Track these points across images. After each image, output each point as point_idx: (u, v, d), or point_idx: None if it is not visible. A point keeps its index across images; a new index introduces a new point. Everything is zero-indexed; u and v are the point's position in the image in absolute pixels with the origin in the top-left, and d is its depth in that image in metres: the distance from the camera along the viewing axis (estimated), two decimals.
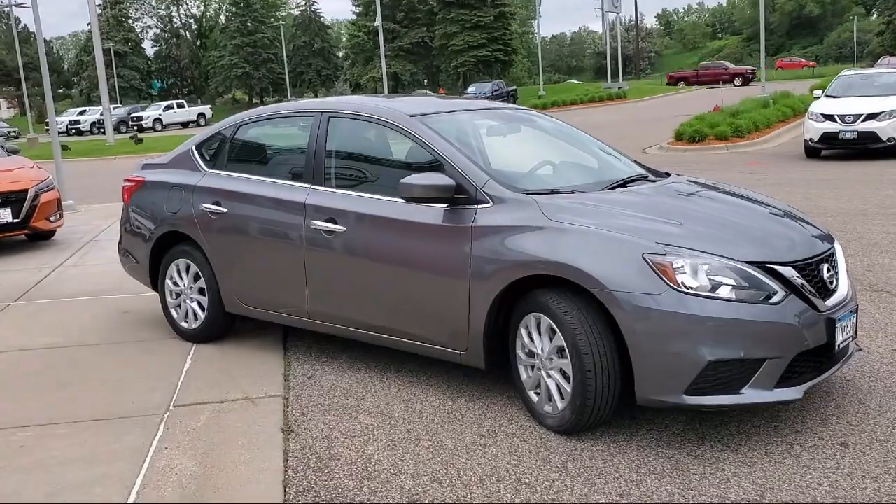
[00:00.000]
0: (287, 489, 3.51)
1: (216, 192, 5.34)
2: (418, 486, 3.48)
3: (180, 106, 57.12)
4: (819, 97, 16.06)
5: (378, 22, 47.96)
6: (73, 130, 53.71)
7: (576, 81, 66.86)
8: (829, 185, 11.83)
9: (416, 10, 75.55)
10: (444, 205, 4.22)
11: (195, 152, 5.71)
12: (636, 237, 3.71)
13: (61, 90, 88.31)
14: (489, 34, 71.22)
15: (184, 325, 5.67)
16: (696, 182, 4.80)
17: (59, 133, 19.34)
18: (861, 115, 14.50)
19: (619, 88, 52.99)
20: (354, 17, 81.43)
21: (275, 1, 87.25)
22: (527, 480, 3.48)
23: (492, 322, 4.10)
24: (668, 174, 4.95)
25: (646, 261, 3.61)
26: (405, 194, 4.22)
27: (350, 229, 4.60)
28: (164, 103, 57.45)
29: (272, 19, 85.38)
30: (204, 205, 5.35)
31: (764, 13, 33.81)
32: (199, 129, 44.55)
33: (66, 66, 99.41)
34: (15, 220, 9.51)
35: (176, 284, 5.67)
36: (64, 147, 23.80)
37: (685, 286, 3.56)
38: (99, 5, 65.13)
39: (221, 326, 5.57)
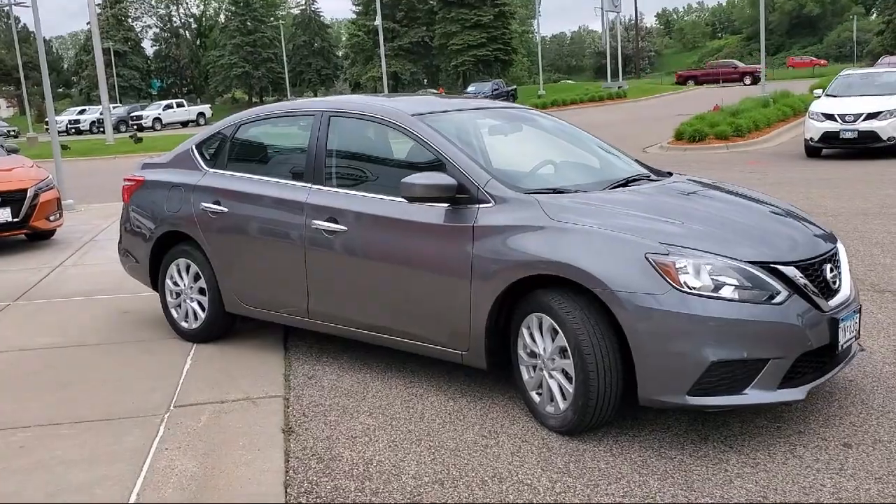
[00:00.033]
0: (288, 490, 3.49)
1: (216, 192, 5.32)
2: (420, 486, 3.46)
3: (180, 105, 57.06)
4: (819, 97, 16.06)
5: (378, 21, 47.95)
6: (73, 130, 53.65)
7: (570, 81, 66.37)
8: (830, 184, 11.81)
9: (415, 9, 75.58)
10: (446, 204, 4.21)
11: (195, 152, 5.69)
12: (639, 237, 3.70)
13: (61, 89, 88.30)
14: (489, 33, 71.26)
15: (184, 324, 5.66)
16: (698, 181, 4.79)
17: (59, 132, 19.36)
18: (861, 114, 14.50)
19: (619, 88, 52.98)
20: (354, 16, 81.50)
21: (274, 0, 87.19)
22: (529, 481, 3.46)
23: (493, 322, 4.09)
24: (670, 174, 4.94)
25: (648, 261, 3.60)
26: (406, 194, 4.21)
27: (351, 229, 4.58)
28: (164, 103, 57.40)
29: (272, 18, 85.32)
30: (204, 204, 5.34)
31: (764, 13, 33.76)
32: (198, 129, 44.63)
33: (65, 66, 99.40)
34: (14, 220, 9.49)
35: (176, 284, 5.65)
36: (63, 146, 23.78)
37: (688, 286, 3.55)
38: (98, 5, 65.14)
39: (222, 326, 5.55)
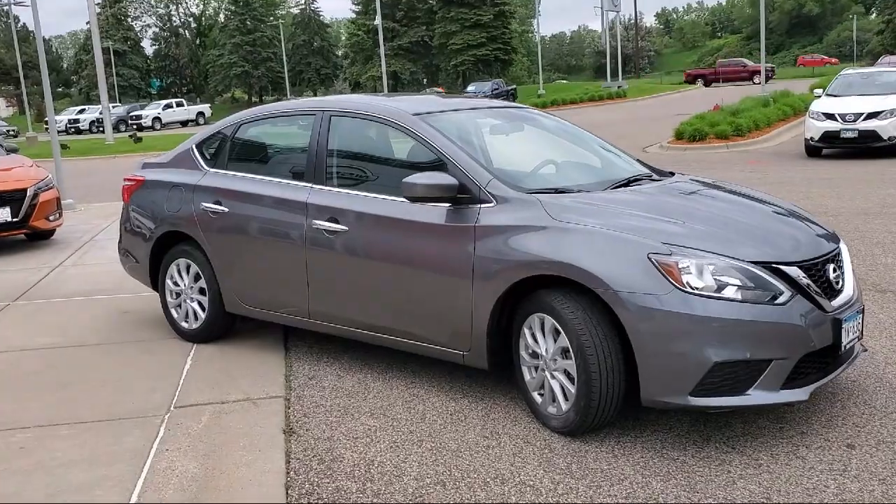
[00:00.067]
0: (289, 491, 3.48)
1: (217, 192, 5.31)
2: (422, 488, 3.45)
3: (179, 105, 57.03)
4: (820, 96, 16.05)
5: (378, 21, 47.91)
6: (73, 129, 53.61)
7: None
8: (831, 184, 11.80)
9: (415, 8, 75.59)
10: (447, 204, 4.19)
11: (195, 151, 5.68)
12: (641, 237, 3.68)
13: (60, 89, 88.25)
14: (489, 33, 71.29)
15: (184, 325, 5.64)
16: (700, 181, 4.78)
17: (59, 132, 19.35)
18: (862, 113, 14.49)
19: (619, 87, 52.96)
20: (354, 15, 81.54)
21: (273, 0, 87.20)
22: (531, 483, 3.45)
23: (495, 322, 4.07)
24: (672, 173, 4.92)
25: (651, 261, 3.58)
26: (408, 194, 4.19)
27: (352, 229, 4.57)
28: (164, 102, 57.37)
29: (271, 18, 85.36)
30: (204, 204, 5.32)
31: (764, 12, 33.74)
32: (198, 128, 44.60)
33: (65, 65, 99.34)
34: (14, 220, 9.47)
35: (176, 284, 5.64)
36: (63, 146, 23.77)
37: (690, 286, 3.53)
38: (98, 4, 65.09)
39: (222, 326, 5.54)
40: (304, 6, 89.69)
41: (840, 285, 3.93)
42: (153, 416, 4.33)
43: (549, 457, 3.67)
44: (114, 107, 50.68)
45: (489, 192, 4.12)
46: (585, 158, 5.07)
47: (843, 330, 3.76)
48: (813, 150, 15.25)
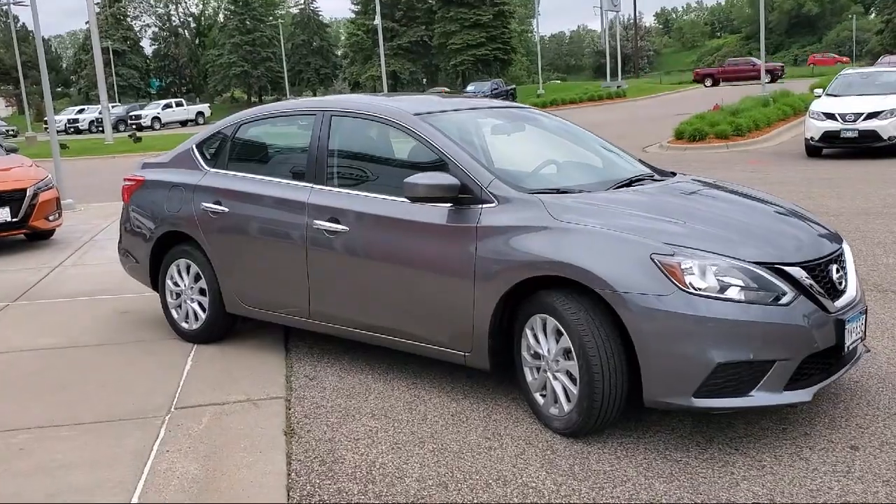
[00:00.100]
0: (291, 493, 3.46)
1: (217, 192, 5.29)
2: (424, 489, 3.43)
3: (179, 104, 57.02)
4: (820, 96, 16.03)
5: (377, 20, 47.88)
6: (72, 129, 53.56)
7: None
8: (831, 184, 11.79)
9: (414, 8, 75.56)
10: (449, 204, 4.18)
11: (196, 151, 5.66)
12: (643, 237, 3.67)
13: (59, 89, 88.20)
14: (488, 33, 71.28)
15: (184, 325, 5.63)
16: (702, 181, 4.76)
17: (58, 132, 19.28)
18: (862, 113, 14.48)
19: (619, 87, 52.97)
20: (353, 15, 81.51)
21: None
22: (533, 484, 3.43)
23: (496, 323, 4.06)
24: (674, 173, 4.91)
25: (653, 261, 3.57)
26: (409, 194, 4.18)
27: (353, 229, 4.55)
28: (163, 102, 57.34)
29: (271, 18, 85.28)
30: (205, 204, 5.31)
31: (763, 12, 33.72)
32: (197, 128, 44.56)
33: (64, 65, 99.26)
34: (14, 220, 9.45)
35: (176, 284, 5.62)
36: (62, 146, 23.76)
37: (693, 287, 3.52)
38: (97, 3, 64.96)
39: (222, 327, 5.52)
40: (303, 6, 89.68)
41: (843, 286, 3.91)
42: (154, 417, 4.31)
43: (551, 458, 3.66)
44: (113, 106, 50.63)
45: (491, 193, 4.11)
46: (587, 158, 5.05)
47: (846, 331, 3.74)
48: (813, 150, 15.24)
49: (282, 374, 4.91)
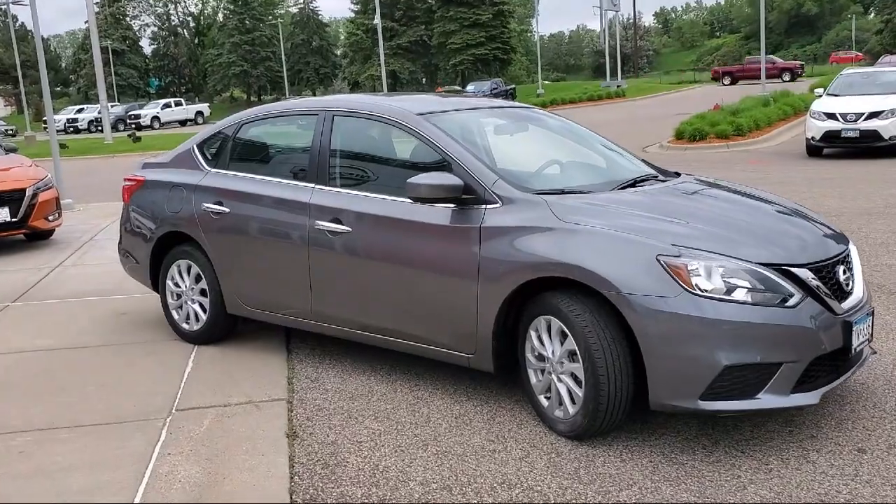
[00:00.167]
0: (293, 496, 3.43)
1: (218, 192, 5.26)
2: (428, 493, 3.40)
3: (178, 104, 56.96)
4: (821, 95, 16.01)
5: (377, 20, 47.84)
6: (71, 129, 53.47)
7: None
8: (832, 184, 11.76)
9: (414, 8, 75.50)
10: (452, 205, 4.15)
11: (196, 151, 5.63)
12: (649, 238, 3.64)
13: (59, 88, 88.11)
14: (487, 32, 71.23)
15: (185, 326, 5.59)
16: (706, 182, 4.73)
17: (57, 131, 19.18)
18: (863, 113, 14.45)
19: (618, 87, 52.95)
20: (353, 15, 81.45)
21: None
22: (539, 488, 3.40)
23: (501, 324, 4.03)
24: (678, 174, 4.87)
25: (659, 263, 3.54)
26: (412, 194, 4.14)
27: (355, 230, 4.52)
28: (162, 101, 57.27)
29: (270, 17, 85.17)
30: (206, 204, 5.27)
31: (763, 11, 33.71)
32: (197, 128, 44.53)
33: (63, 64, 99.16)
34: (13, 220, 9.42)
35: (177, 285, 5.59)
36: (62, 145, 23.72)
37: (699, 289, 3.49)
38: (97, 3, 64.89)
39: (223, 328, 5.49)
40: (302, 5, 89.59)
41: (850, 287, 3.88)
42: (155, 420, 4.28)
43: (556, 461, 3.63)
44: (112, 106, 50.60)
45: (495, 193, 4.08)
46: (590, 159, 5.02)
47: (853, 332, 3.71)
48: (814, 150, 15.22)
49: (283, 376, 4.87)
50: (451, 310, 4.15)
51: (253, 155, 5.51)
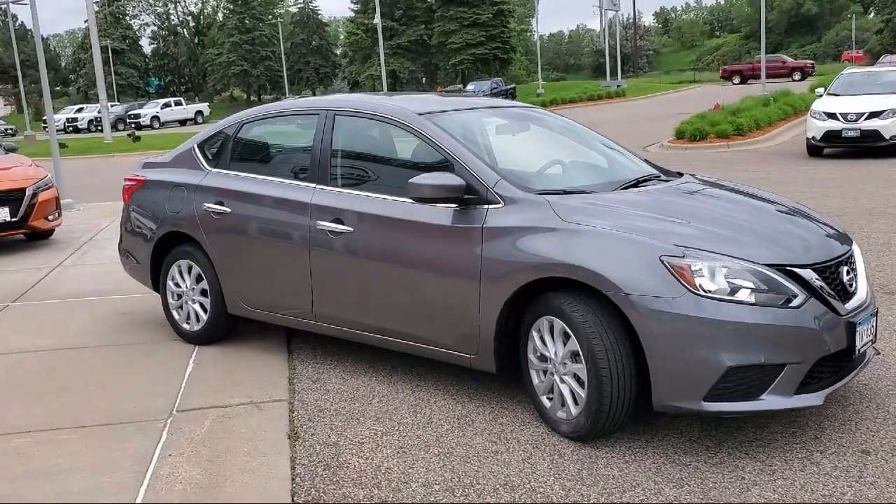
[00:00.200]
0: (295, 498, 3.41)
1: (219, 192, 5.24)
2: (430, 495, 3.38)
3: (178, 104, 56.92)
4: (821, 95, 16.00)
5: (377, 19, 47.82)
6: (71, 128, 53.41)
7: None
8: (834, 183, 11.75)
9: (414, 7, 75.46)
10: (454, 205, 4.13)
11: (197, 151, 5.61)
12: (652, 239, 3.62)
13: (58, 87, 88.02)
14: (487, 32, 71.21)
15: (186, 326, 5.57)
16: (709, 182, 4.71)
17: (57, 131, 19.11)
18: (864, 113, 14.43)
19: (618, 86, 52.93)
20: (352, 14, 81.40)
21: None
22: (541, 490, 3.38)
23: (503, 325, 4.01)
24: (681, 174, 4.85)
25: (663, 263, 3.52)
26: (414, 194, 4.13)
27: (357, 230, 4.50)
28: (162, 101, 57.23)
29: (270, 17, 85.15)
30: (206, 204, 5.26)
31: (764, 11, 33.70)
32: (196, 127, 44.48)
33: (63, 64, 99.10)
34: (13, 220, 9.40)
35: (178, 285, 5.57)
36: (61, 145, 23.69)
37: (703, 289, 3.47)
38: (96, 2, 64.78)
39: (224, 328, 5.47)
40: (302, 5, 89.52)
41: (853, 288, 3.87)
42: (155, 421, 4.26)
43: (559, 463, 3.61)
44: (112, 105, 50.57)
45: (497, 193, 4.06)
46: (593, 159, 5.00)
47: (857, 333, 3.69)
48: (815, 150, 15.20)
49: (284, 377, 4.86)
50: (453, 310, 4.13)
51: (254, 155, 5.49)
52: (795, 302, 3.52)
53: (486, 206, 4.06)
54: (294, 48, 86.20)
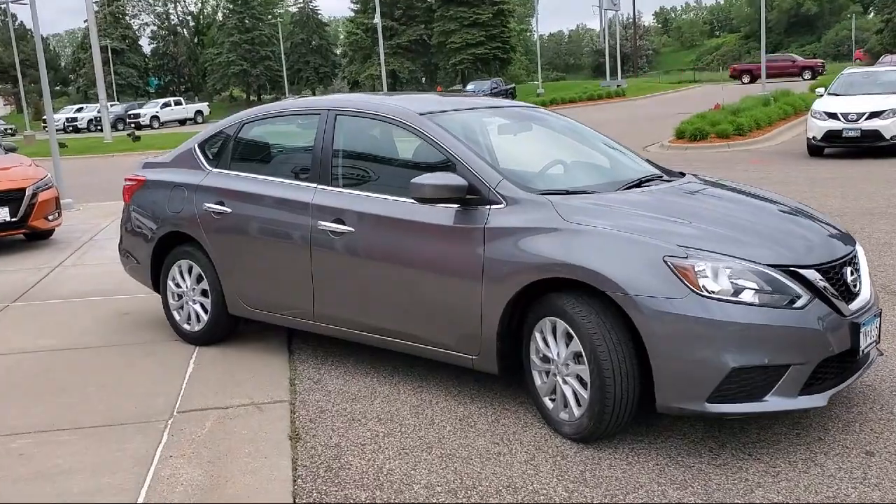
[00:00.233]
0: (297, 500, 3.40)
1: (220, 192, 5.22)
2: (432, 496, 3.37)
3: (178, 103, 56.90)
4: (822, 95, 15.98)
5: (377, 19, 47.80)
6: (70, 128, 53.38)
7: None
8: (834, 183, 11.73)
9: (414, 7, 75.41)
10: (456, 205, 4.11)
11: (198, 151, 5.59)
12: (655, 239, 3.61)
13: (58, 87, 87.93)
14: (487, 32, 71.17)
15: (186, 327, 5.56)
16: (712, 182, 4.69)
17: (56, 130, 19.04)
18: (864, 113, 14.42)
19: (618, 86, 52.90)
20: (352, 14, 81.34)
21: None
22: (544, 491, 3.37)
23: (505, 326, 3.99)
24: (683, 174, 4.84)
25: (666, 264, 3.51)
26: (416, 194, 4.11)
27: (358, 230, 4.49)
28: (162, 101, 57.19)
29: (270, 16, 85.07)
30: (207, 204, 5.24)
31: (764, 11, 33.67)
32: (196, 127, 44.46)
33: (62, 63, 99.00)
34: (13, 220, 9.38)
35: (178, 286, 5.55)
36: (61, 145, 23.67)
37: (707, 290, 3.46)
38: (96, 2, 64.71)
39: (224, 329, 5.46)
40: (302, 5, 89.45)
41: (857, 288, 3.85)
42: (156, 422, 4.25)
43: (561, 464, 3.59)
44: (112, 105, 50.52)
45: (499, 193, 4.04)
46: (595, 159, 4.99)
47: (861, 334, 3.68)
48: (815, 150, 15.18)
49: (286, 378, 4.84)
50: (455, 311, 4.11)
51: (254, 155, 5.48)
52: (799, 303, 3.51)
53: (488, 207, 4.05)
54: (294, 48, 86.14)
